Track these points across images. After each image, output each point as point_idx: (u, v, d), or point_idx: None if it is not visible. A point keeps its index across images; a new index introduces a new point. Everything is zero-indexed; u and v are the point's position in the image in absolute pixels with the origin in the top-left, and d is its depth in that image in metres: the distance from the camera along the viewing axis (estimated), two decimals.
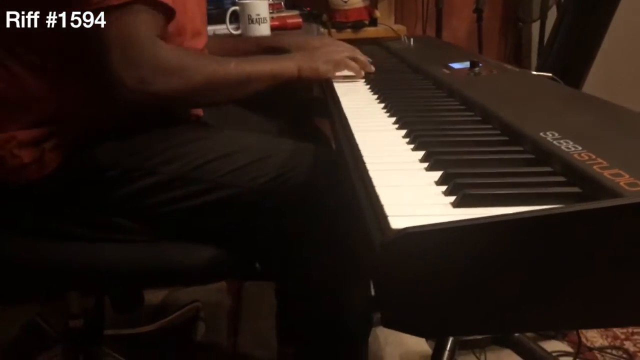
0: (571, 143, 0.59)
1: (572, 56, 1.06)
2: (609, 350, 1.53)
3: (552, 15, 2.06)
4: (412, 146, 0.69)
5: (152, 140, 1.01)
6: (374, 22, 2.06)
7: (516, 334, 1.18)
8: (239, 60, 1.01)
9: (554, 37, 1.13)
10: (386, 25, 2.06)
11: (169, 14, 0.91)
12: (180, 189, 0.97)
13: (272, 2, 2.00)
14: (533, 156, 0.61)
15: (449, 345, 1.13)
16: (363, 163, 0.63)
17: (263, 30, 1.69)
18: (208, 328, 1.65)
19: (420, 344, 1.59)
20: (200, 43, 1.08)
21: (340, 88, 1.08)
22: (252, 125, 1.29)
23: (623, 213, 0.45)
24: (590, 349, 1.51)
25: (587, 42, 1.06)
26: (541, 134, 0.63)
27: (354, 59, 1.14)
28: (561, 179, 0.54)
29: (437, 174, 0.58)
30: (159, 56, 0.88)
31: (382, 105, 0.92)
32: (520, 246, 0.44)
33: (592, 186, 0.50)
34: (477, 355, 1.46)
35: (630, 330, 1.62)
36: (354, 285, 1.07)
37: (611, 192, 0.48)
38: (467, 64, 1.07)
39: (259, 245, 1.04)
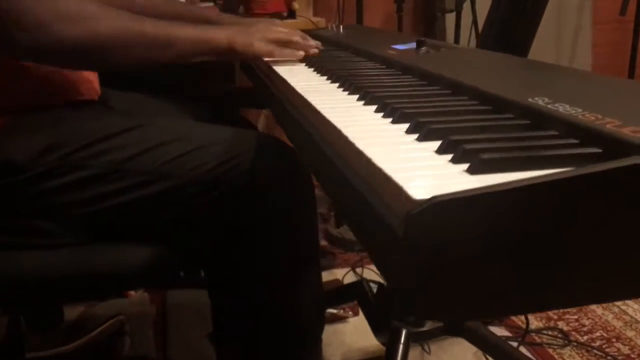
0: (568, 106, 0.55)
1: (515, 30, 1.05)
2: (545, 332, 1.55)
3: (467, 6, 2.09)
4: (390, 119, 0.63)
5: (75, 132, 0.90)
6: (292, 14, 2.01)
7: (468, 322, 1.16)
8: (159, 21, 0.92)
9: (494, 14, 1.12)
10: (305, 17, 2.01)
11: None
12: (114, 182, 0.87)
13: None
14: (529, 122, 0.57)
15: (402, 338, 1.09)
16: (345, 138, 0.57)
17: None
18: (134, 342, 1.52)
19: (359, 342, 1.54)
20: None
21: (281, 70, 1.00)
22: (172, 116, 1.19)
23: None
24: (529, 332, 1.52)
25: (529, 15, 1.05)
26: (530, 99, 0.59)
27: (292, 41, 1.07)
28: (574, 140, 0.50)
29: (435, 144, 0.53)
30: None
31: (337, 84, 0.85)
32: (567, 209, 0.39)
33: (614, 145, 0.46)
34: (423, 346, 1.43)
35: (561, 310, 1.66)
36: (307, 278, 1.01)
37: (636, 147, 0.44)
38: (412, 44, 1.03)
39: (202, 240, 0.96)
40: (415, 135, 0.57)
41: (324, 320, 1.12)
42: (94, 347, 1.42)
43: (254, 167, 0.91)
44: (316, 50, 1.08)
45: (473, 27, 2.03)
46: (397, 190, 0.43)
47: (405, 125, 0.60)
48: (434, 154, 0.51)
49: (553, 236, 0.40)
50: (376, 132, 0.59)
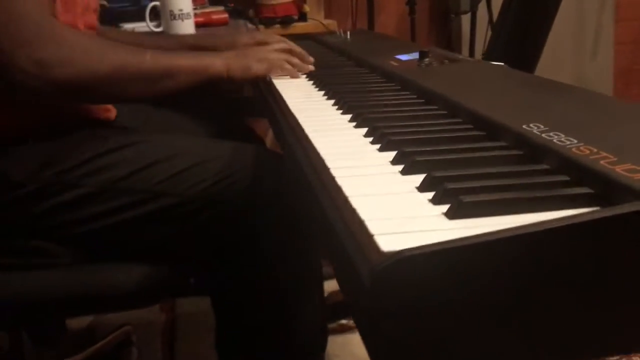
0: (563, 136, 0.52)
1: (523, 42, 1.01)
2: None
3: (482, 7, 2.04)
4: (377, 146, 0.61)
5: (71, 149, 0.90)
6: (303, 17, 1.97)
7: None
8: (157, 52, 0.91)
9: (501, 23, 1.08)
10: (316, 20, 1.97)
11: None
12: (110, 201, 0.86)
13: None
14: (521, 152, 0.54)
15: None
16: (327, 169, 0.54)
17: (186, 26, 1.57)
18: (141, 353, 1.51)
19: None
20: (93, 19, 0.96)
21: (280, 84, 0.98)
22: (176, 129, 1.17)
23: None
24: None
25: (538, 25, 1.01)
26: (524, 126, 0.56)
27: (289, 60, 1.05)
28: (564, 177, 0.47)
29: (418, 178, 0.50)
30: (58, 35, 0.79)
31: (333, 101, 0.82)
32: (548, 262, 0.36)
33: (605, 185, 0.43)
34: None
35: None
36: (308, 294, 0.99)
37: (631, 190, 0.41)
38: (415, 55, 0.99)
39: (200, 258, 0.95)
40: (400, 167, 0.54)
41: (327, 335, 1.10)
42: (100, 359, 1.42)
43: (253, 184, 0.89)
44: (312, 68, 1.06)
45: (489, 28, 1.98)
46: (368, 238, 0.40)
47: (392, 154, 0.57)
48: (415, 190, 0.48)
49: (535, 293, 0.37)
50: (360, 161, 0.57)
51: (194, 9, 1.74)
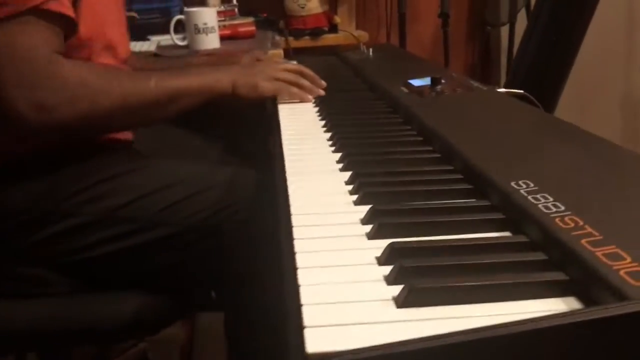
0: (551, 200, 0.46)
1: (545, 69, 0.94)
2: None
3: (522, 18, 1.95)
4: (355, 198, 0.56)
5: (71, 176, 0.88)
6: (334, 28, 1.93)
7: None
8: (162, 75, 0.88)
9: (525, 47, 1.01)
10: (347, 32, 1.93)
11: (69, 25, 0.77)
12: (108, 229, 0.85)
13: (225, 8, 1.86)
14: (503, 216, 0.48)
15: None
16: (289, 227, 0.50)
17: (211, 40, 1.55)
18: None
19: None
20: (115, 58, 0.94)
21: (283, 110, 0.94)
22: (192, 147, 1.15)
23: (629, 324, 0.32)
24: None
25: (562, 52, 0.94)
26: (513, 183, 0.50)
27: (298, 82, 1.01)
28: (542, 256, 0.41)
29: (383, 244, 0.45)
30: (58, 75, 0.76)
31: (329, 135, 0.78)
32: None
33: (582, 274, 0.37)
34: None
35: None
36: None
37: (609, 286, 0.35)
38: (427, 81, 0.94)
39: (199, 287, 0.92)
40: (368, 228, 0.49)
41: None
42: None
43: (254, 214, 0.86)
44: (322, 92, 1.01)
45: None
46: (299, 330, 0.36)
47: (365, 209, 0.52)
48: (374, 262, 0.43)
49: None
50: (329, 218, 0.52)
51: (222, 20, 1.73)
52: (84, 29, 0.81)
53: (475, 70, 2.19)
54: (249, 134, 1.34)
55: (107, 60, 0.91)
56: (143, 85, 0.86)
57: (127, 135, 1.00)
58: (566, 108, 2.13)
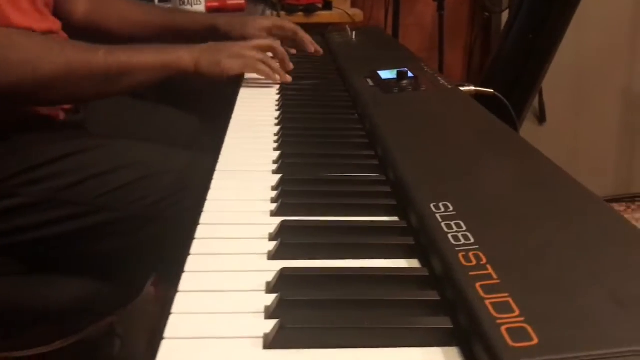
0: (463, 229, 0.43)
1: (521, 68, 0.90)
2: None
3: None
4: (273, 207, 0.53)
5: (13, 155, 0.85)
6: (328, 5, 1.87)
7: None
8: (112, 49, 0.84)
9: (502, 44, 0.97)
10: (341, 10, 1.87)
11: None
12: (47, 212, 0.82)
13: None
14: (413, 243, 0.45)
15: None
16: (198, 244, 0.47)
17: (197, 11, 1.51)
18: (125, 343, 1.48)
19: None
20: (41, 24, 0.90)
21: (244, 93, 0.91)
22: (156, 126, 1.12)
23: None
24: None
25: (538, 51, 0.90)
26: (432, 205, 0.46)
27: (266, 61, 0.96)
28: (435, 296, 0.38)
29: (279, 265, 0.42)
30: None
31: (277, 129, 0.75)
32: None
33: (468, 324, 0.34)
34: None
35: None
36: None
37: (487, 344, 0.32)
38: (394, 74, 0.90)
39: (143, 273, 0.90)
40: (272, 246, 0.46)
41: None
42: (79, 350, 1.40)
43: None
44: (289, 78, 0.97)
45: None
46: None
47: (277, 222, 0.48)
48: (263, 288, 0.40)
49: None
50: (238, 231, 0.49)
51: None
52: None
53: (473, 56, 2.13)
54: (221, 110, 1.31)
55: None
56: (90, 55, 0.83)
57: (56, 112, 0.97)
58: (567, 104, 2.08)
